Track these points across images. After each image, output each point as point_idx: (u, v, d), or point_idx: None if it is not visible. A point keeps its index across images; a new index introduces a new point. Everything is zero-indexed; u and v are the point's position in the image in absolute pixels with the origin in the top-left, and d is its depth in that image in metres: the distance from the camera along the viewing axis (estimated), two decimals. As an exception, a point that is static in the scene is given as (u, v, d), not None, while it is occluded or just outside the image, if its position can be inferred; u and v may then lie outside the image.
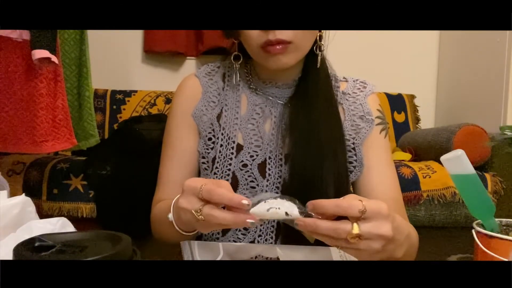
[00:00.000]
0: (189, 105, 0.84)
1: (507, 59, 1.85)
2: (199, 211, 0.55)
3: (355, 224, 0.50)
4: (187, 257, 0.65)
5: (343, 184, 0.77)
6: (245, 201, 0.52)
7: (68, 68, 1.36)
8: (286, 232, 0.78)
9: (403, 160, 1.80)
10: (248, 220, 0.53)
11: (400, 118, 2.25)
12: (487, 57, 2.00)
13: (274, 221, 0.78)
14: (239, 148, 0.80)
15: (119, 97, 2.14)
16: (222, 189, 0.54)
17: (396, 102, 2.27)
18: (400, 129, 2.21)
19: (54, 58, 1.12)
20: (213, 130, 0.82)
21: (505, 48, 1.86)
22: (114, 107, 2.12)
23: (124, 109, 2.12)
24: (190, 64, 2.39)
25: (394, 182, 0.82)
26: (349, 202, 0.51)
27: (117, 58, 2.35)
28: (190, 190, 0.57)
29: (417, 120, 2.30)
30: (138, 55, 2.37)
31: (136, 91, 2.17)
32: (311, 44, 0.77)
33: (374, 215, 0.50)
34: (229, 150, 0.80)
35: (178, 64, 2.39)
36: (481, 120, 1.75)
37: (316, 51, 0.79)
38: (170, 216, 0.63)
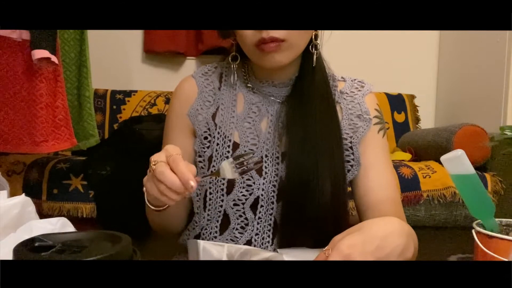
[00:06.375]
0: (185, 106, 0.84)
1: (507, 59, 1.85)
2: (156, 162, 0.61)
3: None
4: (192, 256, 0.66)
5: (339, 182, 0.77)
6: (192, 182, 0.58)
7: (68, 68, 1.36)
8: (283, 231, 0.78)
9: (403, 160, 1.80)
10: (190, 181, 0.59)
11: (400, 118, 2.25)
12: (487, 57, 2.00)
13: (271, 219, 0.79)
14: (235, 146, 0.80)
15: (119, 97, 2.13)
16: (181, 165, 0.59)
17: (396, 102, 2.26)
18: (400, 129, 2.20)
19: (54, 58, 1.12)
20: (209, 129, 0.82)
21: (505, 48, 1.86)
22: (114, 107, 2.12)
23: (124, 109, 2.12)
24: (190, 64, 2.39)
25: (392, 182, 0.82)
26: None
27: (117, 58, 2.34)
28: (165, 151, 0.62)
29: (417, 120, 2.29)
30: (138, 55, 2.37)
31: (136, 91, 2.17)
32: (306, 43, 0.77)
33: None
34: (225, 148, 0.80)
35: (178, 64, 2.39)
36: (481, 120, 1.74)
37: (312, 49, 0.79)
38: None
